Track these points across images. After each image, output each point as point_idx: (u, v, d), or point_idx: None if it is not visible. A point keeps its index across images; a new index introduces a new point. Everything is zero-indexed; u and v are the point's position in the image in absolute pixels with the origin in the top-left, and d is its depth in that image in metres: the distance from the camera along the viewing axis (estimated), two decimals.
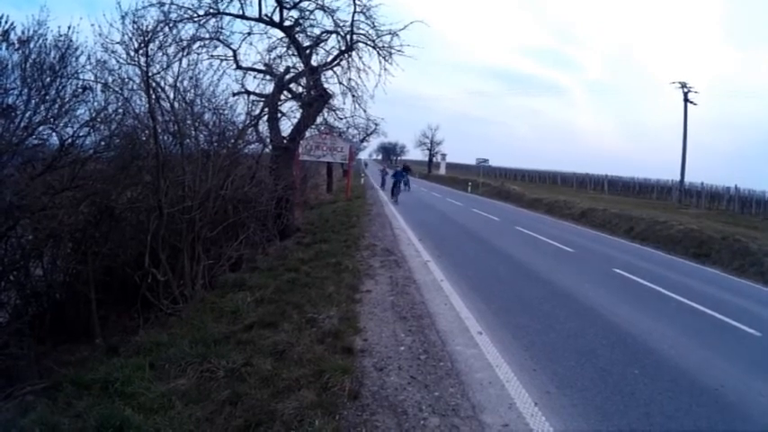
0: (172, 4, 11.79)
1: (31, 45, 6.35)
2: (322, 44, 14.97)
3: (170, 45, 9.04)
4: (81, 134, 6.99)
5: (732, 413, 4.69)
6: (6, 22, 6.16)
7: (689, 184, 37.24)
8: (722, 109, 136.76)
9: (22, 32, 6.33)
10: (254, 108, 13.55)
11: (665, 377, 5.32)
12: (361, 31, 14.48)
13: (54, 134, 6.70)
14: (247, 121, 12.12)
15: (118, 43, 7.85)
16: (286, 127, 15.17)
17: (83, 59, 7.09)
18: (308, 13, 14.22)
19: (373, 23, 14.37)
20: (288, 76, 14.89)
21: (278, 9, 13.80)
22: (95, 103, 7.30)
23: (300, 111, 15.07)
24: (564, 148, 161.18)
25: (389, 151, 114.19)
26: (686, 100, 37.27)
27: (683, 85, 37.21)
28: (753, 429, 4.54)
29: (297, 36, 14.44)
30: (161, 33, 8.80)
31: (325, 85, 14.94)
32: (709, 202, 33.80)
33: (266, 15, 13.81)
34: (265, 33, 14.46)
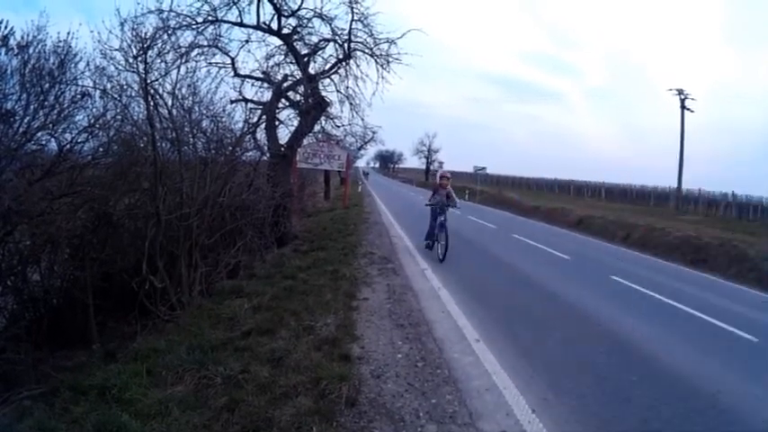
0: (171, 11, 11.79)
1: (31, 50, 6.36)
2: (320, 52, 15.00)
3: (168, 52, 9.00)
4: (79, 140, 6.99)
5: (729, 418, 4.70)
6: (6, 27, 6.18)
7: (686, 191, 37.35)
8: (720, 114, 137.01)
9: (22, 38, 6.34)
10: (251, 116, 13.63)
11: (663, 383, 5.33)
12: (359, 40, 14.51)
13: (52, 140, 6.71)
14: (245, 129, 12.14)
15: (117, 50, 7.86)
16: (284, 134, 15.18)
17: (82, 65, 7.11)
18: (305, 21, 14.25)
19: (371, 32, 14.40)
20: (286, 84, 14.93)
21: (276, 17, 13.84)
22: (94, 110, 7.30)
23: (298, 118, 15.09)
24: (562, 154, 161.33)
25: (387, 159, 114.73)
26: (683, 107, 37.39)
27: (680, 92, 37.36)
28: None
29: (295, 44, 14.46)
30: (160, 40, 8.75)
31: (323, 93, 14.95)
32: (706, 209, 33.93)
33: (264, 23, 13.85)
34: (263, 41, 14.50)
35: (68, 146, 6.78)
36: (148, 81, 7.69)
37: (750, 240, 16.33)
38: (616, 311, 8.40)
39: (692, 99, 37.44)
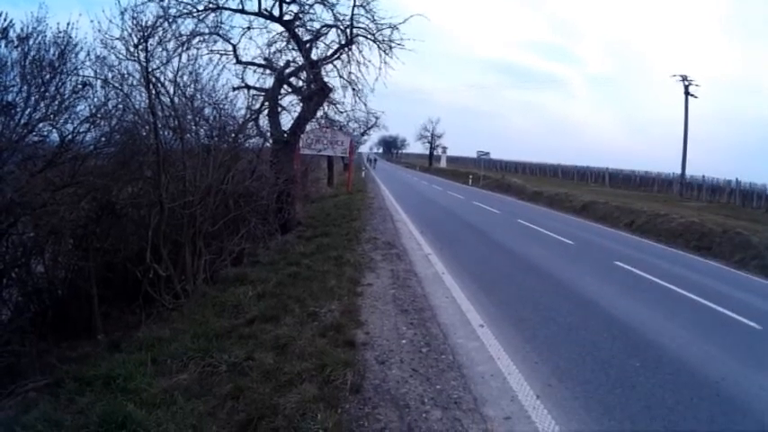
0: None
1: (31, 42, 6.32)
2: (322, 38, 14.88)
3: (169, 40, 8.89)
4: (81, 130, 6.96)
5: (733, 406, 4.71)
6: (5, 20, 6.14)
7: (690, 178, 37.15)
8: (724, 102, 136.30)
9: (21, 30, 6.29)
10: (254, 102, 13.55)
11: (666, 370, 5.34)
12: (361, 25, 14.39)
13: (54, 131, 6.68)
14: (248, 116, 12.11)
15: (117, 39, 7.79)
16: (286, 121, 15.13)
17: (82, 56, 7.06)
18: (307, 7, 14.14)
19: (373, 17, 14.28)
20: (288, 71, 14.84)
21: (277, 3, 13.72)
22: (95, 99, 7.27)
23: (300, 105, 15.03)
24: (565, 141, 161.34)
25: (390, 144, 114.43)
26: (687, 93, 37.16)
27: (684, 78, 37.12)
28: (753, 422, 4.55)
29: (296, 30, 14.35)
30: (160, 29, 8.64)
31: (326, 79, 14.86)
32: (710, 196, 33.73)
33: (266, 10, 13.74)
34: (265, 28, 14.39)
35: (70, 136, 6.76)
36: (150, 70, 7.64)
37: (754, 228, 16.22)
38: (620, 297, 8.40)
39: (696, 85, 37.27)
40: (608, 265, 11.24)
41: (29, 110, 6.19)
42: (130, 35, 7.70)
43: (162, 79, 8.22)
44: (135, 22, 7.84)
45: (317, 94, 14.65)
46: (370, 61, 14.77)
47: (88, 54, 7.27)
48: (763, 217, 22.91)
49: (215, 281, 8.35)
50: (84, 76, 7.06)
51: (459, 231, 15.69)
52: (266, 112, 13.93)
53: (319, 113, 16.59)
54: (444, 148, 78.47)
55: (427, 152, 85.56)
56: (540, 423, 4.09)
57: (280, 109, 14.81)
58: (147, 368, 4.64)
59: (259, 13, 13.73)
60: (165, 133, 8.36)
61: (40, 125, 6.41)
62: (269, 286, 7.38)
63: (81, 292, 7.26)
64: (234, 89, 13.05)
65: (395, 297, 7.35)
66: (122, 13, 7.93)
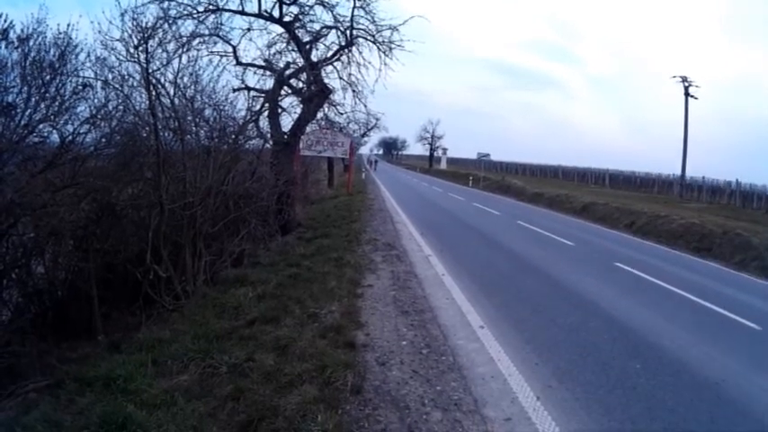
0: (171, 0, 11.77)
1: (31, 43, 6.33)
2: (322, 39, 14.92)
3: (170, 42, 8.92)
4: (81, 131, 6.98)
5: (733, 407, 4.70)
6: (5, 21, 6.15)
7: (690, 179, 37.13)
8: (724, 103, 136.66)
9: (22, 31, 6.31)
10: (254, 104, 13.60)
11: (667, 371, 5.33)
12: (361, 26, 14.44)
13: (54, 132, 6.69)
14: (248, 117, 12.13)
15: (117, 40, 7.82)
16: (286, 122, 15.15)
17: (82, 57, 7.07)
18: (307, 8, 14.17)
19: (373, 18, 14.34)
20: (288, 72, 14.86)
21: (277, 5, 13.75)
22: (95, 101, 7.28)
23: (301, 106, 15.05)
24: (565, 142, 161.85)
25: (390, 146, 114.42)
26: (687, 94, 37.11)
27: (684, 79, 37.07)
28: (754, 423, 4.54)
29: (296, 31, 14.38)
30: (160, 30, 8.68)
31: (326, 81, 14.91)
32: (710, 197, 33.71)
33: (266, 11, 13.76)
34: (265, 29, 14.42)
35: (70, 137, 6.77)
36: (150, 71, 7.65)
37: (754, 229, 16.17)
38: (620, 298, 8.39)
39: (696, 86, 37.25)
40: (608, 267, 11.23)
41: (29, 111, 6.20)
42: (131, 36, 7.73)
43: (162, 80, 8.25)
44: (135, 23, 7.89)
45: (317, 95, 14.67)
46: (370, 63, 14.83)
47: (88, 55, 7.29)
48: (763, 218, 22.89)
49: (215, 282, 8.35)
50: (84, 77, 7.09)
51: (459, 233, 15.69)
52: (266, 113, 13.94)
53: (319, 115, 16.65)
54: (444, 150, 78.57)
55: (427, 153, 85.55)
56: (541, 424, 4.08)
57: (280, 110, 14.84)
58: (148, 369, 4.63)
59: (259, 15, 13.75)
60: (166, 134, 8.37)
61: (41, 126, 6.42)
62: (269, 287, 7.37)
63: (81, 293, 7.26)
64: (234, 90, 13.08)
65: (395, 298, 7.34)
66: (122, 15, 7.99)
